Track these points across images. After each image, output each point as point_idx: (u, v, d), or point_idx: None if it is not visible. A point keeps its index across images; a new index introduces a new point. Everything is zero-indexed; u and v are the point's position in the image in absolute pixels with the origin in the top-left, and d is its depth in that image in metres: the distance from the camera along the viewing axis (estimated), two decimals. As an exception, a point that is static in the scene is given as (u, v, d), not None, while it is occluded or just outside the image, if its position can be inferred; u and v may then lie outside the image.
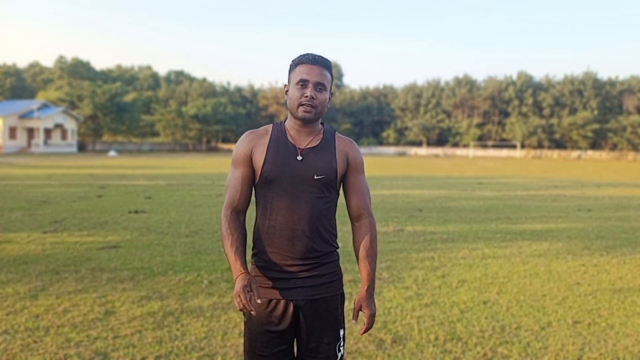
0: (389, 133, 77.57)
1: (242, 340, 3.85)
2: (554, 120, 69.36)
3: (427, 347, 3.81)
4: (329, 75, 2.06)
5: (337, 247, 2.15)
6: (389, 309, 4.62)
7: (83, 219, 9.43)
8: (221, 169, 27.89)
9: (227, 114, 73.13)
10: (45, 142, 54.51)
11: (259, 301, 1.92)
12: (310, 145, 2.07)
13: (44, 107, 56.61)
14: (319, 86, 2.02)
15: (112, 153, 51.41)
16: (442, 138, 76.17)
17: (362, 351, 3.72)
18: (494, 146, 72.20)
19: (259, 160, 2.05)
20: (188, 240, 7.57)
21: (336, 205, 2.15)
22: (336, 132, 2.17)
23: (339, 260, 2.15)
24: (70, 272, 5.66)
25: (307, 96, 2.00)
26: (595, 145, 68.65)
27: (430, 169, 33.61)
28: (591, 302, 4.98)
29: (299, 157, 2.04)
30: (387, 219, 10.10)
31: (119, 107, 63.75)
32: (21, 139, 54.70)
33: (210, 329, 4.08)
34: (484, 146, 72.33)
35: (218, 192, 14.84)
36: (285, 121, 2.15)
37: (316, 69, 2.03)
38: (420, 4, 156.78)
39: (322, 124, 2.16)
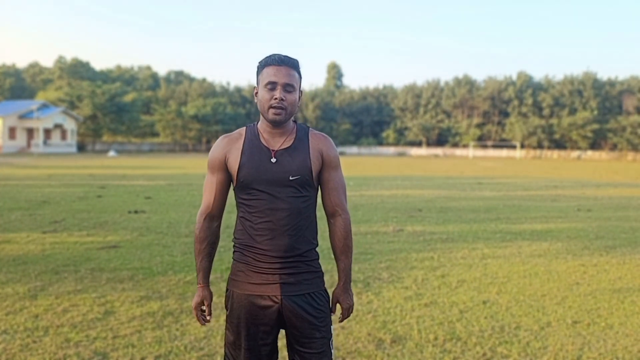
0: (389, 133, 77.60)
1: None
2: (554, 121, 69.39)
3: (426, 347, 3.81)
4: (297, 75, 2.07)
5: (317, 246, 2.17)
6: (388, 309, 4.62)
7: (83, 219, 9.43)
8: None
9: (226, 114, 73.10)
10: (44, 142, 54.51)
11: (208, 318, 2.19)
12: (283, 147, 2.08)
13: (43, 107, 56.62)
14: (288, 87, 2.03)
15: (111, 153, 51.43)
16: (442, 138, 76.19)
17: (361, 351, 3.71)
18: (494, 146, 72.23)
19: (234, 165, 2.07)
20: (188, 240, 7.57)
21: (316, 202, 2.16)
22: (310, 129, 2.17)
23: (318, 258, 2.17)
24: (70, 272, 5.66)
25: (276, 98, 2.01)
26: (594, 145, 68.69)
27: (429, 169, 33.62)
28: (590, 302, 4.98)
29: (273, 160, 2.05)
30: (387, 219, 10.10)
31: (118, 107, 63.78)
32: (21, 139, 54.71)
33: (210, 328, 4.08)
34: (484, 146, 72.35)
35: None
36: (258, 123, 2.16)
37: (283, 69, 2.02)
38: (419, 4, 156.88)
39: (295, 121, 2.17)
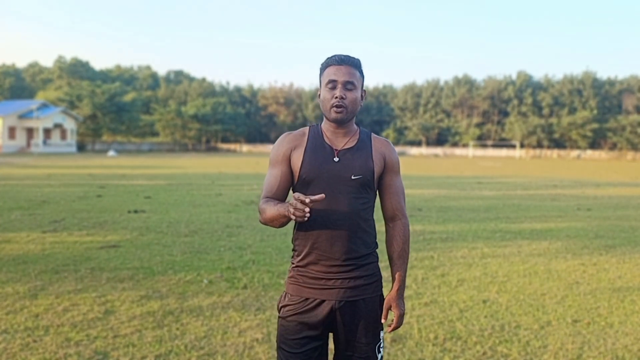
0: (389, 133, 77.54)
1: (241, 340, 3.86)
2: (553, 120, 69.37)
3: (426, 346, 3.81)
4: (358, 74, 2.06)
5: (377, 247, 2.15)
6: (388, 308, 4.62)
7: (82, 219, 9.43)
8: (220, 169, 27.89)
9: (226, 114, 73.09)
10: (44, 142, 54.47)
11: (317, 197, 1.77)
12: (346, 147, 2.08)
13: (43, 107, 56.56)
14: (348, 85, 2.02)
15: (111, 153, 51.39)
16: (442, 138, 76.16)
17: (361, 350, 3.71)
18: (494, 146, 72.21)
19: (297, 161, 2.06)
20: (187, 240, 7.58)
21: (374, 206, 2.14)
22: (372, 133, 2.18)
23: (377, 261, 2.15)
24: (70, 272, 5.66)
25: (336, 97, 2.01)
26: (594, 144, 68.68)
27: (429, 168, 33.61)
28: (590, 301, 4.99)
29: (336, 159, 2.04)
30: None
31: (118, 107, 63.75)
32: (20, 138, 54.66)
33: (210, 328, 4.09)
34: (484, 146, 72.33)
35: (217, 192, 14.84)
36: (321, 123, 2.16)
37: (343, 68, 2.03)
38: (419, 4, 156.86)
39: (357, 125, 2.16)
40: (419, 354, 3.68)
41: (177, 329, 4.06)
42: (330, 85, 2.02)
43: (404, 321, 4.29)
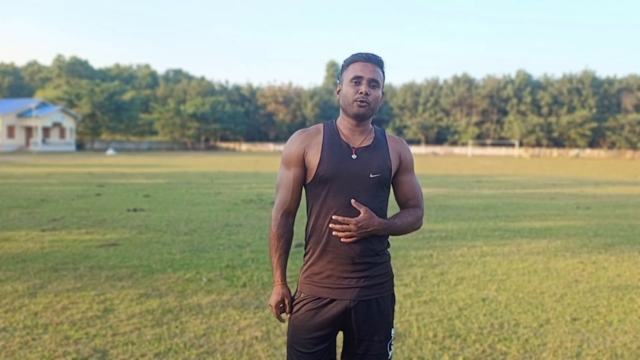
0: (388, 132, 77.59)
1: (241, 338, 3.86)
2: (553, 119, 69.42)
3: (425, 344, 3.82)
4: (381, 73, 2.08)
5: (389, 247, 2.16)
6: (387, 306, 4.62)
7: (82, 217, 9.42)
8: (220, 168, 27.88)
9: (225, 113, 73.03)
10: (43, 141, 54.43)
11: (285, 315, 2.00)
12: (364, 144, 2.08)
13: (42, 105, 56.52)
14: (373, 83, 2.04)
15: (110, 152, 51.35)
16: (441, 136, 76.18)
17: (361, 348, 3.71)
18: (493, 144, 72.24)
19: (313, 159, 2.05)
20: (187, 238, 7.57)
21: (388, 204, 2.13)
22: (385, 131, 2.19)
23: (390, 260, 2.16)
24: (69, 270, 5.66)
25: (361, 92, 2.02)
26: (593, 143, 68.74)
27: (428, 167, 33.62)
28: (589, 299, 4.99)
29: (354, 156, 2.04)
30: (386, 217, 10.09)
31: (117, 106, 63.72)
32: (19, 137, 54.62)
33: (209, 326, 4.09)
34: (483, 145, 72.36)
35: (217, 191, 14.83)
36: (336, 120, 2.16)
37: (369, 66, 2.05)
38: (418, 3, 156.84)
39: (372, 123, 2.16)
40: (418, 352, 3.68)
41: (177, 327, 4.06)
42: (355, 81, 2.03)
43: (403, 319, 4.30)
